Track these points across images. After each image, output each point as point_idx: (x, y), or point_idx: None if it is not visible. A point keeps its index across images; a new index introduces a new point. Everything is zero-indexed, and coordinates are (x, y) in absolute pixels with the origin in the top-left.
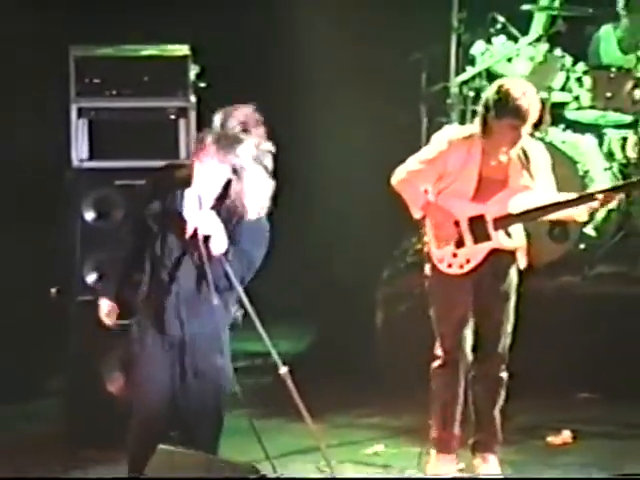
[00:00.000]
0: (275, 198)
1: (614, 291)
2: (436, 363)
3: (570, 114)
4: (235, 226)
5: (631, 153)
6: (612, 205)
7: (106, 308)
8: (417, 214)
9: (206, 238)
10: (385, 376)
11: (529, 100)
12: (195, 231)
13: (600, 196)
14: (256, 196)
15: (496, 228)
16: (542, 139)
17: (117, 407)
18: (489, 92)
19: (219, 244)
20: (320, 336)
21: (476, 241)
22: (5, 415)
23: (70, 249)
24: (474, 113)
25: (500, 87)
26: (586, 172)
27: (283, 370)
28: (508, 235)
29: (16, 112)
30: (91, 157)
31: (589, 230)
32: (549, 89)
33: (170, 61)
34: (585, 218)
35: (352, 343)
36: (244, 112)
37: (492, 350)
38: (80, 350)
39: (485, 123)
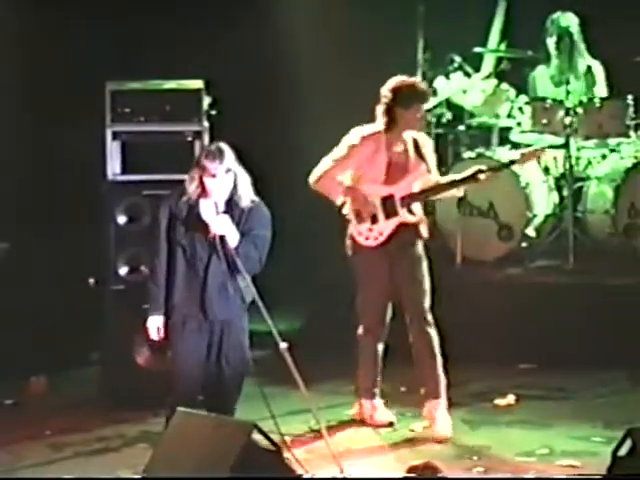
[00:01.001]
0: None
1: (550, 281)
2: (360, 331)
3: (514, 137)
4: (247, 216)
5: (561, 168)
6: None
7: (158, 325)
8: (338, 201)
9: (222, 237)
10: None
11: (425, 86)
12: (215, 233)
13: (482, 176)
14: (246, 188)
15: (402, 205)
16: (491, 157)
17: (144, 375)
18: (392, 89)
19: (232, 241)
20: (310, 319)
21: (387, 217)
22: (55, 380)
23: (105, 247)
24: (437, 135)
25: (401, 83)
26: (527, 184)
27: (283, 346)
28: (410, 212)
29: (63, 136)
30: (123, 172)
31: (530, 231)
32: (497, 116)
33: (187, 93)
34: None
35: (335, 325)
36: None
37: (416, 310)
38: (114, 328)
39: (390, 116)
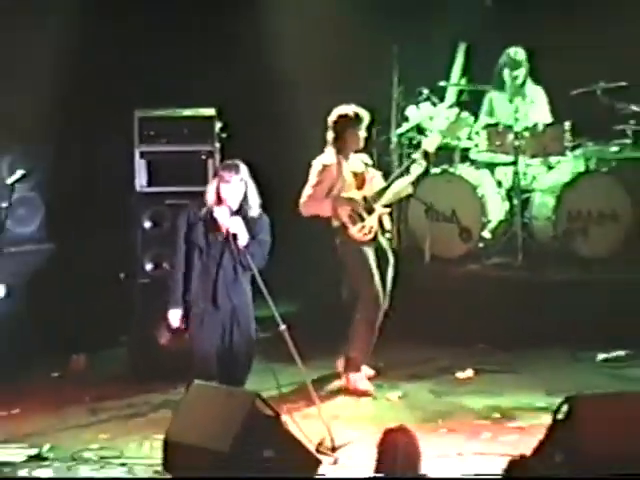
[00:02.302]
0: (276, 210)
1: (502, 275)
2: (358, 316)
3: (473, 155)
4: (253, 224)
5: (511, 182)
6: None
7: (177, 316)
8: (328, 213)
9: (234, 236)
10: None
11: (363, 111)
12: (227, 232)
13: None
14: (255, 200)
15: (374, 202)
16: (453, 173)
17: (166, 353)
18: (341, 115)
19: (243, 239)
20: (306, 304)
21: (369, 214)
22: (91, 359)
23: (134, 247)
24: (408, 155)
25: (346, 110)
26: (483, 195)
27: (282, 327)
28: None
29: (101, 155)
30: (149, 184)
31: (486, 234)
32: (459, 139)
33: (202, 119)
34: (411, 190)
35: (328, 309)
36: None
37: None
38: (140, 315)
39: (343, 137)
